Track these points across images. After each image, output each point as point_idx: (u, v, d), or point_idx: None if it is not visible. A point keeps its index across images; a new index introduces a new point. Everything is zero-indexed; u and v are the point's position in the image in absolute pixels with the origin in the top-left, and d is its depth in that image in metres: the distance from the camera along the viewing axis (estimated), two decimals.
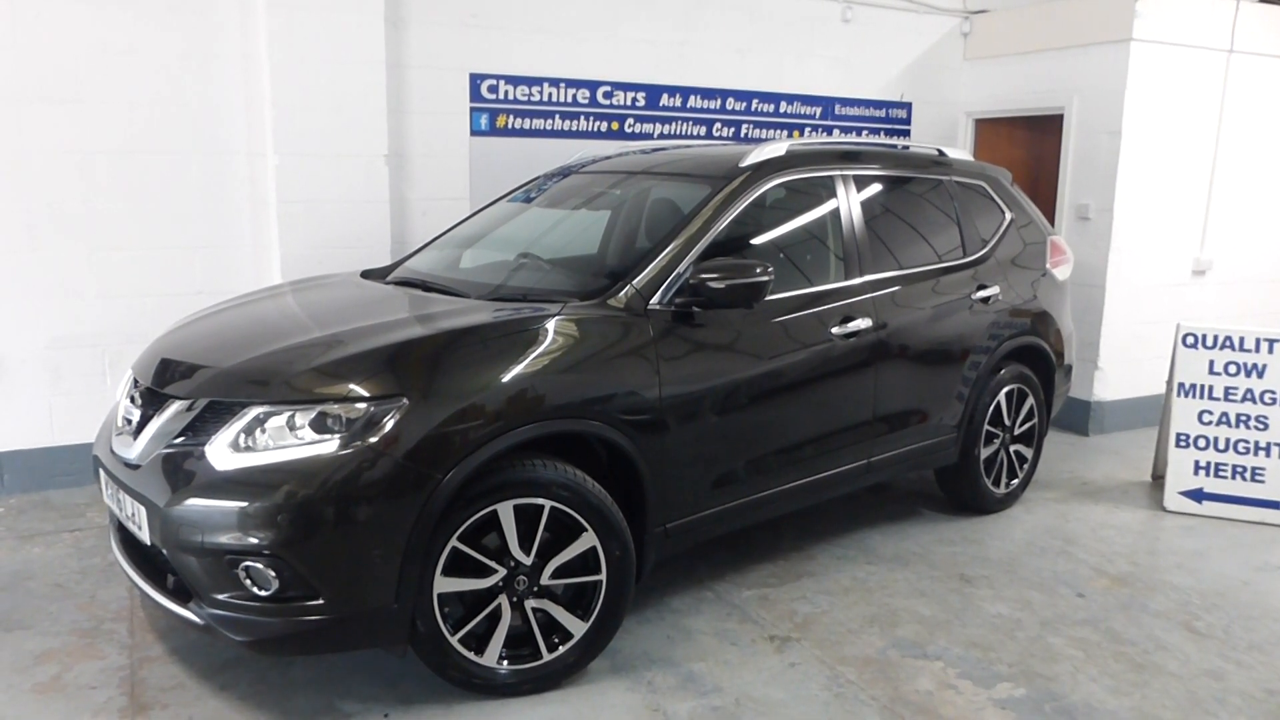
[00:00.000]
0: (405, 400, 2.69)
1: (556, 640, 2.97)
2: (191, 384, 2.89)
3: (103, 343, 4.66)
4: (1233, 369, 4.64)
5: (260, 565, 2.58)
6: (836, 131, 6.39)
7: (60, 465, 4.64)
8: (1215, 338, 4.66)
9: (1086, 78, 5.83)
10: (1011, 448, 4.63)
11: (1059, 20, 6.00)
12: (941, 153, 4.62)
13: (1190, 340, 4.70)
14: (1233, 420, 4.64)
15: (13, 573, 3.75)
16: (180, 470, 2.72)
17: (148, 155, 4.63)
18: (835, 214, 3.93)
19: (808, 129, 6.30)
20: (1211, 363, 4.67)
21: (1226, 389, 4.65)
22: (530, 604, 2.91)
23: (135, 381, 3.13)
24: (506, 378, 2.84)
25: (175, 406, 2.84)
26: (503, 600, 2.88)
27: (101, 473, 3.09)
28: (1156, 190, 5.86)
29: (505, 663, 2.92)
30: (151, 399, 2.96)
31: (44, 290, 4.52)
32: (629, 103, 5.69)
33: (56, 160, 4.45)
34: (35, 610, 3.45)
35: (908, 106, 6.66)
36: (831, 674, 3.14)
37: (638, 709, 2.92)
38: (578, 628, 2.99)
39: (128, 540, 3.04)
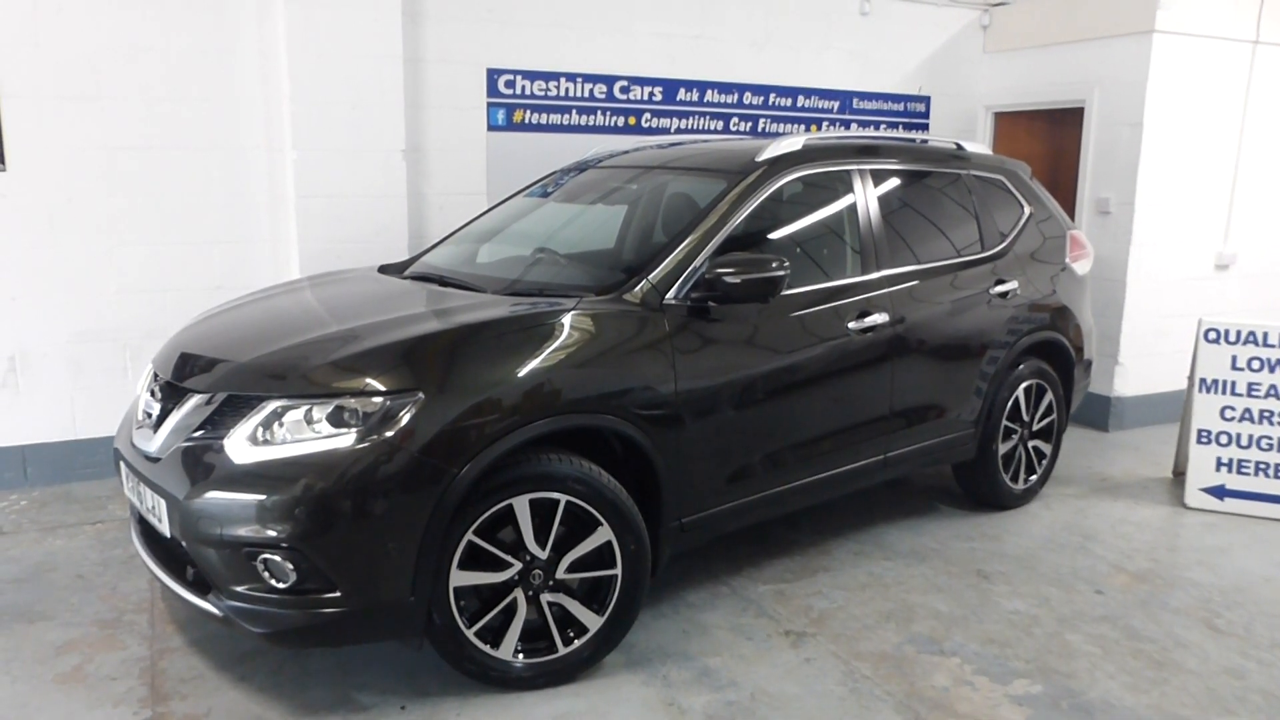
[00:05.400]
0: (421, 394, 2.70)
1: (572, 634, 2.98)
2: (210, 378, 2.91)
3: (123, 337, 4.71)
4: (1256, 364, 4.59)
5: (278, 558, 2.60)
6: (854, 125, 6.36)
7: (82, 458, 4.69)
8: (1238, 333, 4.61)
9: (1108, 70, 5.77)
10: (1030, 443, 4.60)
11: (1080, 12, 5.94)
12: (960, 146, 4.59)
13: (1212, 335, 4.65)
14: (1255, 416, 4.59)
15: (35, 564, 3.79)
16: (199, 463, 2.74)
17: (167, 151, 4.67)
18: (852, 208, 3.91)
19: (825, 123, 6.27)
20: (1234, 358, 4.62)
21: (1250, 385, 4.60)
22: (546, 598, 2.92)
23: (155, 375, 3.16)
24: (522, 372, 2.85)
25: (194, 400, 2.87)
26: (518, 594, 2.88)
27: (122, 466, 3.12)
28: (1179, 183, 5.79)
29: (521, 656, 2.93)
30: (171, 393, 2.99)
31: (65, 285, 4.57)
32: (645, 97, 5.68)
33: (77, 156, 4.49)
34: (57, 601, 3.49)
35: (926, 100, 6.62)
36: (847, 669, 3.14)
37: (653, 703, 2.92)
38: (593, 622, 3.00)
39: (148, 532, 3.07)
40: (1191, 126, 5.75)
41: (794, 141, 3.80)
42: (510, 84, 5.30)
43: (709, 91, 5.86)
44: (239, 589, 2.66)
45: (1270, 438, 4.55)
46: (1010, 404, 4.41)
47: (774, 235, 3.76)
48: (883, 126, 6.48)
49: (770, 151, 3.71)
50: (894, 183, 4.12)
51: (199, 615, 2.88)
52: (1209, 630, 3.46)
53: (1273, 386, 4.56)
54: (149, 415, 3.04)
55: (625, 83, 5.60)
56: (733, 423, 3.33)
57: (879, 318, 3.76)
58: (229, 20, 4.70)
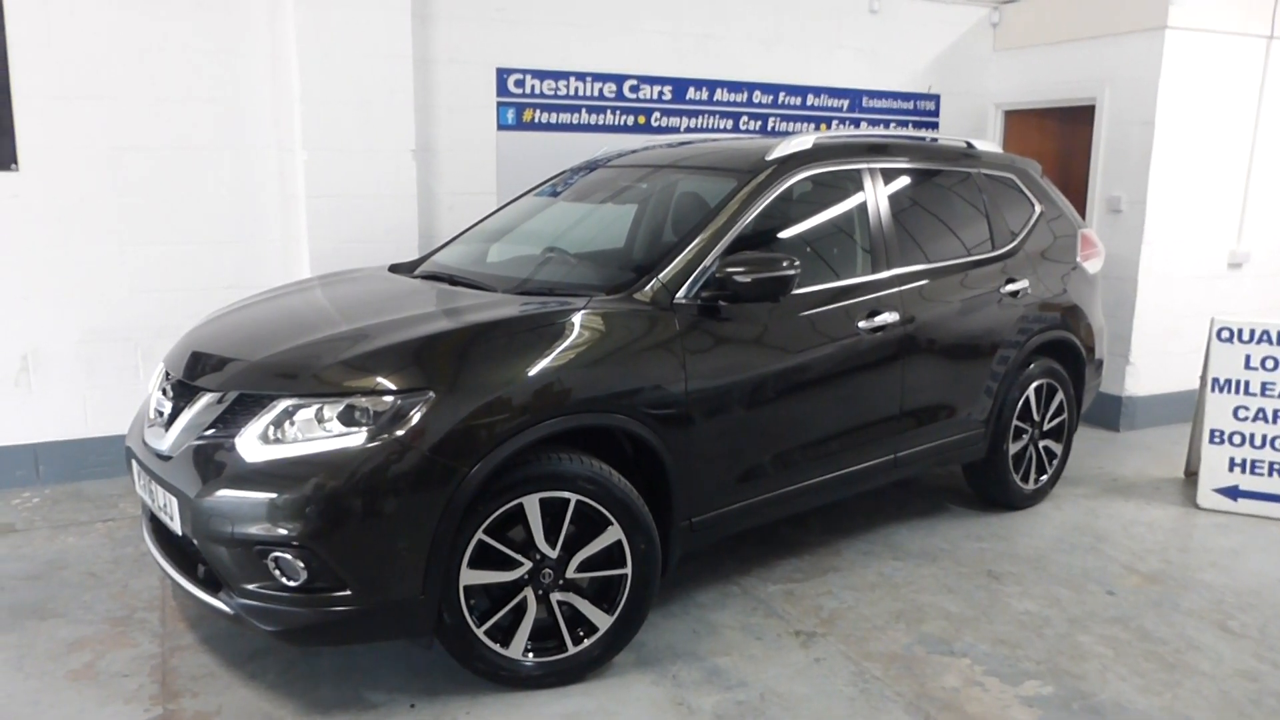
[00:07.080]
0: (432, 393, 2.70)
1: (581, 633, 2.98)
2: (222, 377, 2.92)
3: (134, 336, 4.73)
4: (1270, 364, 4.56)
5: (289, 556, 2.61)
6: (864, 124, 6.34)
7: (94, 456, 4.71)
8: (1251, 332, 4.58)
9: (1119, 67, 5.74)
10: (1041, 443, 4.58)
11: (1091, 8, 5.91)
12: (970, 145, 4.57)
13: (1225, 334, 4.62)
14: (1269, 416, 4.55)
15: (47, 562, 3.81)
16: (211, 462, 2.75)
17: (177, 151, 4.69)
18: (862, 207, 3.90)
19: (834, 122, 6.26)
20: (1248, 357, 4.59)
21: (1264, 384, 4.57)
22: (556, 597, 2.92)
23: (167, 374, 3.17)
24: (533, 371, 2.85)
25: (206, 399, 2.88)
26: (528, 593, 2.88)
27: (134, 464, 3.14)
28: (1191, 181, 5.76)
29: (530, 655, 2.93)
30: (183, 391, 3.00)
31: (77, 285, 4.59)
32: (655, 96, 5.68)
33: (89, 156, 4.51)
34: (69, 599, 3.50)
35: (936, 98, 6.60)
36: (857, 669, 3.13)
37: (662, 703, 2.92)
38: (603, 621, 3.00)
39: (159, 530, 3.08)
40: (1204, 123, 5.71)
41: (804, 140, 3.80)
42: (520, 83, 5.30)
43: (718, 90, 5.85)
44: (250, 587, 2.67)
45: None
46: (1021, 403, 4.39)
47: (784, 234, 3.75)
48: (892, 125, 6.46)
49: (780, 150, 3.70)
50: (904, 181, 4.11)
51: (210, 613, 2.88)
52: (1222, 632, 3.44)
53: None
54: (160, 414, 3.05)
55: (635, 82, 5.60)
56: (743, 422, 3.33)
57: (889, 317, 3.75)
58: (239, 21, 4.71)
